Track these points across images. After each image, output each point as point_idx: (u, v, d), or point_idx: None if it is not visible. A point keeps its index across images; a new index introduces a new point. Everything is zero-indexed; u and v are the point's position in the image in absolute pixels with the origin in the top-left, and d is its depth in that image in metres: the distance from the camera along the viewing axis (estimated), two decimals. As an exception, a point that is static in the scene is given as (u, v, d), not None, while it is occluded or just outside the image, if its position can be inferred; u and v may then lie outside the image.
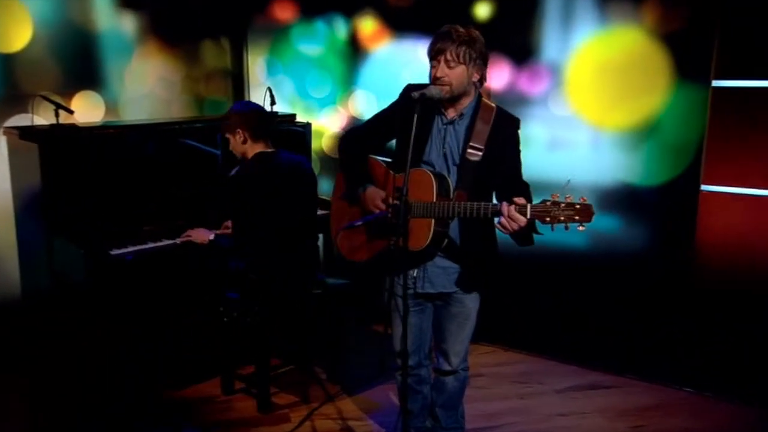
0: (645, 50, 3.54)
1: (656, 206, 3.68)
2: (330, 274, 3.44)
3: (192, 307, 3.65)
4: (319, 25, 4.57)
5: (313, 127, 4.40)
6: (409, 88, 2.55)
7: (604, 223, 3.75)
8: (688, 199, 3.57)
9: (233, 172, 3.14)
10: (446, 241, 2.47)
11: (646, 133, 3.63)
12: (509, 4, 3.89)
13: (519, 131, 2.54)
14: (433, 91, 2.37)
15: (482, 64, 2.46)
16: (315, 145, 4.47)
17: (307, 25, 4.62)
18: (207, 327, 3.53)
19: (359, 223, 2.56)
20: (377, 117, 2.66)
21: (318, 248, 3.59)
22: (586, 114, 3.80)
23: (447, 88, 2.41)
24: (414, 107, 2.27)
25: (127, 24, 4.15)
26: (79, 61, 3.93)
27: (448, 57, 2.38)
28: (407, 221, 2.31)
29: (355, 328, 4.23)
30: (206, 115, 4.49)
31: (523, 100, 3.86)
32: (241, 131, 3.16)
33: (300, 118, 4.41)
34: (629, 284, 3.76)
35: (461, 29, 2.41)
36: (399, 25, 4.28)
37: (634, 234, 3.73)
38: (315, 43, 4.60)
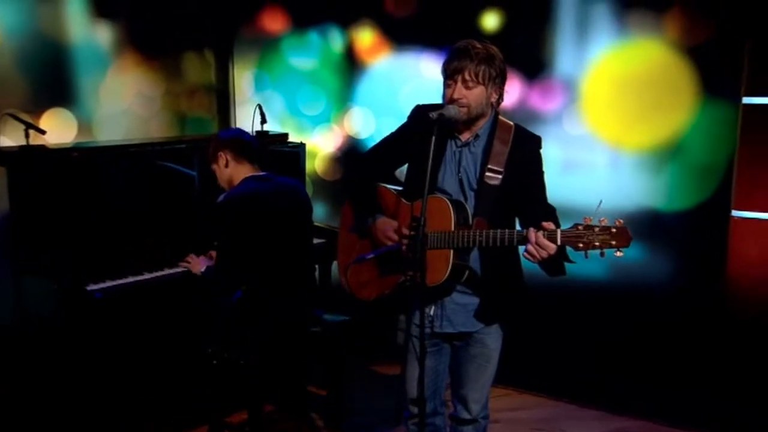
0: (668, 64, 3.55)
1: (682, 233, 3.67)
2: (328, 309, 3.41)
3: (177, 347, 3.61)
4: (313, 37, 4.58)
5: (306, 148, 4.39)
6: (419, 109, 2.55)
7: (626, 252, 3.70)
8: (718, 226, 3.55)
9: (221, 198, 3.10)
10: (466, 274, 2.45)
11: (670, 154, 3.63)
12: (520, 14, 3.92)
13: (541, 150, 2.54)
14: (452, 111, 2.36)
15: (501, 83, 2.46)
16: (308, 166, 4.45)
17: (299, 37, 4.63)
18: (193, 369, 3.44)
19: (371, 256, 2.54)
20: (386, 142, 2.65)
21: (315, 281, 3.55)
22: (603, 133, 3.80)
23: (464, 110, 2.40)
24: (431, 128, 2.26)
25: (103, 35, 4.14)
26: (49, 75, 3.91)
27: (467, 77, 2.38)
28: (425, 254, 2.29)
29: (358, 370, 4.19)
30: (188, 134, 4.50)
31: (534, 117, 3.86)
32: (222, 154, 3.15)
33: (292, 138, 4.41)
34: (654, 319, 3.74)
35: (479, 45, 2.41)
36: (399, 36, 4.30)
37: (658, 264, 3.71)
38: (308, 55, 4.61)
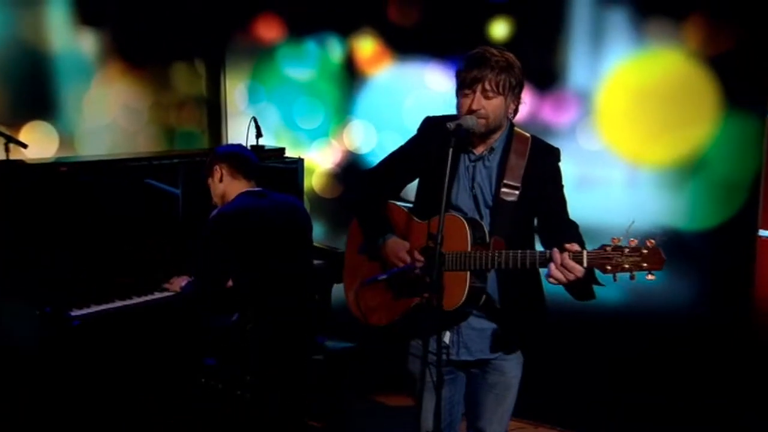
0: (688, 74, 3.55)
1: (705, 255, 3.65)
2: (330, 335, 3.39)
3: (167, 377, 3.55)
4: (310, 46, 4.59)
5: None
6: (431, 121, 2.55)
7: (645, 275, 3.69)
8: (743, 246, 3.54)
9: (213, 213, 3.10)
10: (484, 297, 2.42)
11: (691, 170, 3.63)
12: (530, 22, 3.92)
13: (560, 163, 2.52)
14: (470, 122, 2.35)
15: (519, 93, 2.46)
16: (305, 183, 4.40)
17: (295, 46, 4.63)
18: (185, 399, 3.43)
19: (382, 277, 2.51)
20: (395, 156, 2.65)
21: (316, 305, 3.53)
22: (620, 148, 3.79)
23: (483, 121, 2.39)
24: (449, 140, 2.25)
25: (87, 44, 4.17)
26: (29, 86, 3.93)
27: (486, 87, 2.37)
28: (441, 275, 2.26)
29: (364, 401, 4.14)
30: (177, 149, 4.52)
31: (546, 131, 3.85)
32: (218, 167, 3.18)
33: (288, 153, 4.38)
34: (676, 346, 3.70)
35: (497, 53, 2.40)
36: (402, 46, 4.31)
37: (679, 288, 3.69)
38: (305, 66, 4.61)
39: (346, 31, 4.45)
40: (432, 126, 2.51)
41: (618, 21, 3.71)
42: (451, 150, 2.23)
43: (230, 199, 3.16)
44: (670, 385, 3.73)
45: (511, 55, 2.43)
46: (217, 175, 3.18)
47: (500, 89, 2.37)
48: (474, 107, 2.37)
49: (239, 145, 3.39)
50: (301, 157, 4.28)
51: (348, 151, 4.55)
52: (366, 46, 4.42)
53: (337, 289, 3.82)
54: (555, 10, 3.83)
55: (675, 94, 3.59)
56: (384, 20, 4.32)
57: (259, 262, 3.07)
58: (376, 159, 2.79)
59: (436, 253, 2.21)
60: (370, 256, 2.62)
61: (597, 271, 2.20)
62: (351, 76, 4.46)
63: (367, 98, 4.45)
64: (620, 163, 3.77)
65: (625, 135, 3.77)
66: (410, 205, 2.63)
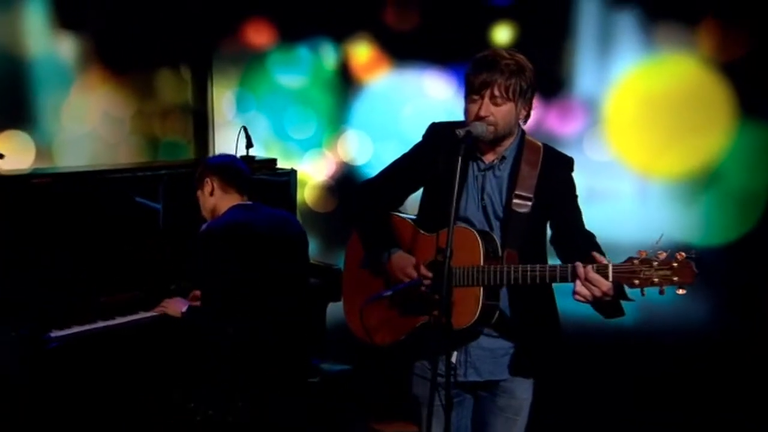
0: (701, 81, 3.56)
1: (721, 271, 3.61)
2: (325, 357, 3.39)
3: (153, 401, 3.49)
4: (302, 52, 4.59)
5: (295, 176, 4.40)
6: (436, 127, 2.56)
7: (657, 294, 3.67)
8: (760, 263, 3.53)
9: (203, 227, 3.09)
10: (496, 315, 2.41)
11: (705, 182, 3.63)
12: (535, 26, 3.93)
13: (573, 173, 2.53)
14: (479, 128, 2.35)
15: (531, 98, 2.45)
16: (297, 196, 4.39)
17: (286, 52, 4.63)
18: (174, 426, 3.36)
19: (388, 293, 2.50)
20: (398, 164, 2.64)
21: (311, 325, 3.51)
22: (630, 159, 3.79)
23: (491, 128, 2.38)
24: (457, 148, 2.24)
25: (66, 48, 4.17)
26: (4, 93, 3.93)
27: (495, 92, 2.36)
28: (450, 292, 2.25)
29: (362, 428, 4.06)
30: (161, 160, 4.51)
31: (552, 141, 3.74)
32: (209, 180, 3.18)
33: (280, 164, 4.36)
34: (689, 370, 3.68)
35: (507, 55, 2.39)
36: (400, 51, 4.32)
37: (693, 307, 3.68)
38: (296, 72, 4.62)
39: (341, 35, 4.46)
40: (438, 133, 2.51)
41: (627, 25, 3.72)
42: (459, 159, 2.22)
43: (220, 213, 3.14)
44: (687, 402, 3.70)
45: (523, 57, 2.43)
46: (207, 188, 3.17)
47: (510, 94, 2.36)
48: (482, 113, 2.37)
49: (232, 156, 3.39)
50: (294, 168, 4.25)
51: (342, 162, 4.55)
52: (361, 52, 4.42)
53: (333, 309, 3.81)
54: (561, 13, 3.84)
55: (687, 102, 3.60)
56: (380, 24, 4.33)
57: (252, 279, 3.05)
58: (372, 171, 2.80)
59: (445, 268, 2.19)
60: (373, 271, 2.61)
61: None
62: (345, 83, 4.47)
63: (362, 107, 4.46)
64: (629, 174, 3.77)
65: (634, 145, 3.77)
66: (413, 217, 2.63)
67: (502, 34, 3.97)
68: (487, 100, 2.36)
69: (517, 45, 3.90)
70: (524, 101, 2.42)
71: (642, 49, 3.70)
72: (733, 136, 3.53)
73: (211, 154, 4.75)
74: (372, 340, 2.58)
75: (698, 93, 3.56)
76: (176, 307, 3.23)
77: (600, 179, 3.81)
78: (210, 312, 3.06)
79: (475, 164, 2.48)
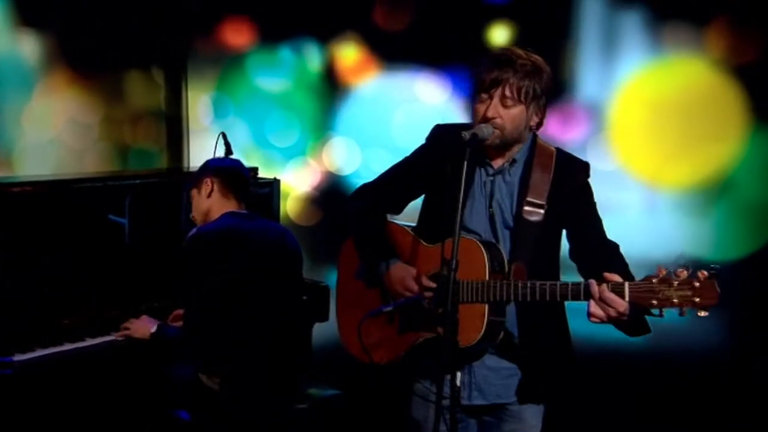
0: (712, 85, 3.56)
1: (734, 288, 3.57)
2: (312, 381, 3.36)
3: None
4: (284, 53, 4.59)
5: (275, 186, 4.39)
6: (441, 129, 2.57)
7: (666, 313, 3.68)
8: (778, 278, 3.54)
9: (192, 231, 3.07)
10: (502, 334, 2.41)
11: (717, 193, 3.63)
12: (534, 27, 3.93)
13: (589, 180, 2.54)
14: (485, 131, 2.34)
15: (545, 104, 2.46)
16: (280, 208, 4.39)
17: (268, 53, 4.63)
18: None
19: (389, 308, 2.50)
20: (399, 168, 2.65)
21: (299, 347, 3.46)
22: (636, 168, 3.80)
23: (497, 132, 2.38)
24: (462, 152, 2.23)
25: (28, 48, 4.13)
26: None
27: (506, 92, 2.36)
28: (456, 307, 2.24)
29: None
30: (131, 169, 4.50)
31: (553, 149, 3.84)
32: (209, 181, 3.17)
33: (261, 174, 4.33)
34: (701, 395, 3.67)
35: (523, 54, 2.40)
36: (390, 53, 4.33)
37: (705, 325, 3.63)
38: (278, 75, 4.62)
39: (326, 35, 4.46)
40: (443, 135, 2.51)
41: (632, 26, 3.73)
42: (465, 164, 2.21)
43: (213, 218, 3.13)
44: (699, 424, 3.69)
45: (541, 59, 2.43)
46: (205, 189, 3.15)
47: (522, 96, 2.36)
48: (489, 114, 2.37)
49: (237, 161, 3.37)
50: (276, 178, 4.23)
51: (328, 172, 4.55)
52: (349, 54, 4.43)
53: (319, 329, 3.77)
54: (562, 12, 3.84)
55: (697, 107, 3.60)
56: (369, 24, 4.33)
57: (239, 294, 3.02)
58: (360, 181, 2.79)
59: (449, 281, 2.18)
60: (369, 282, 2.61)
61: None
62: (331, 87, 4.48)
63: (349, 112, 4.46)
64: (636, 185, 3.77)
65: (641, 153, 3.78)
66: (412, 225, 2.63)
67: (500, 35, 3.97)
68: (496, 100, 2.36)
69: (515, 46, 3.92)
70: (537, 107, 2.42)
71: (649, 50, 3.70)
72: (746, 143, 3.53)
73: (185, 163, 4.77)
74: (370, 357, 2.56)
75: (709, 97, 3.56)
76: (143, 327, 3.17)
77: (604, 190, 3.72)
78: (188, 330, 3.03)
79: (482, 169, 2.49)
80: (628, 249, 3.38)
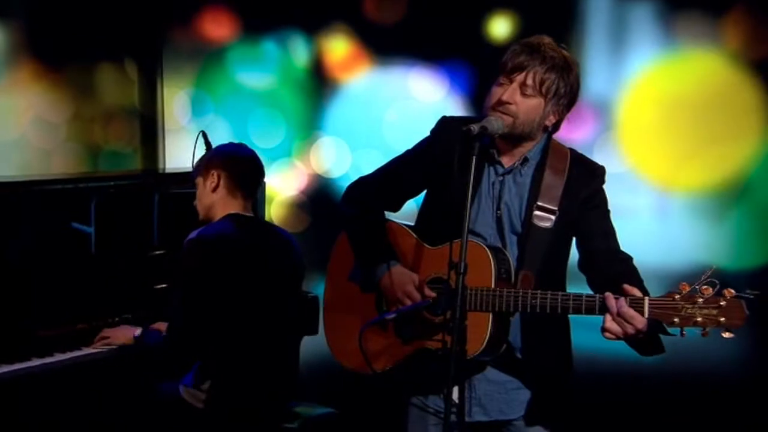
0: (728, 81, 3.57)
1: (752, 300, 3.61)
2: (300, 398, 3.34)
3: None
4: (268, 46, 4.58)
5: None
6: (447, 121, 2.57)
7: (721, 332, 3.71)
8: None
9: (194, 234, 3.03)
10: (505, 346, 2.42)
11: (734, 196, 3.63)
12: (537, 19, 3.92)
13: (604, 186, 2.56)
14: (495, 124, 2.34)
15: (566, 106, 2.46)
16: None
17: (250, 46, 4.62)
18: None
19: (392, 316, 2.48)
20: (400, 161, 2.65)
21: (296, 361, 3.48)
22: (647, 170, 3.79)
23: (509, 119, 2.38)
24: (471, 146, 2.23)
25: None
26: None
27: (528, 81, 2.37)
28: (464, 315, 2.24)
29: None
30: (102, 171, 4.49)
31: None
32: (216, 172, 3.13)
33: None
34: (717, 415, 3.66)
35: (555, 47, 2.42)
36: (382, 47, 4.32)
37: (722, 341, 3.62)
38: (262, 70, 4.61)
39: (314, 28, 4.46)
40: (449, 128, 2.50)
41: (643, 17, 3.73)
42: (474, 159, 2.21)
43: (215, 217, 3.12)
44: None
45: (572, 57, 2.44)
46: (210, 182, 3.12)
47: (543, 89, 2.37)
48: (504, 98, 2.37)
49: (251, 152, 3.28)
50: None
51: (316, 174, 4.54)
52: (338, 47, 4.42)
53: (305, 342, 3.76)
54: (567, 3, 3.85)
55: (713, 105, 3.60)
56: (360, 16, 4.32)
57: (232, 307, 3.02)
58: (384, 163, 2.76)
59: (459, 286, 2.16)
60: (365, 286, 2.62)
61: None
62: (319, 83, 4.48)
63: (339, 110, 4.46)
64: (647, 188, 3.78)
65: (652, 154, 3.78)
66: (410, 224, 2.65)
67: (500, 28, 3.98)
68: (515, 85, 2.37)
69: (517, 40, 3.90)
70: (557, 105, 2.42)
71: (660, 44, 3.71)
72: (765, 143, 3.54)
73: (161, 165, 4.77)
74: (372, 368, 2.53)
75: (725, 94, 3.57)
76: (126, 333, 3.18)
77: (614, 193, 3.68)
78: (171, 338, 3.02)
79: (491, 168, 2.49)
80: (638, 257, 3.36)
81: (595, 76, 3.81)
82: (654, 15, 3.71)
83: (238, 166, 3.16)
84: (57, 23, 4.28)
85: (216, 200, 3.13)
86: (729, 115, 3.57)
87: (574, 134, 3.87)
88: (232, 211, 3.12)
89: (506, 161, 2.48)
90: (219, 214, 3.12)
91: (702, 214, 3.67)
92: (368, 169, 2.67)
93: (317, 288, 3.84)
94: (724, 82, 3.57)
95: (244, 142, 4.55)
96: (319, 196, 4.49)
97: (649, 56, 3.73)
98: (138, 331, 3.16)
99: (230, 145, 3.32)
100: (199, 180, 3.17)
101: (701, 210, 3.67)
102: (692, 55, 3.64)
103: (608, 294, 2.20)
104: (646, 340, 2.24)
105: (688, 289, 2.12)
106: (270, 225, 3.29)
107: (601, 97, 3.81)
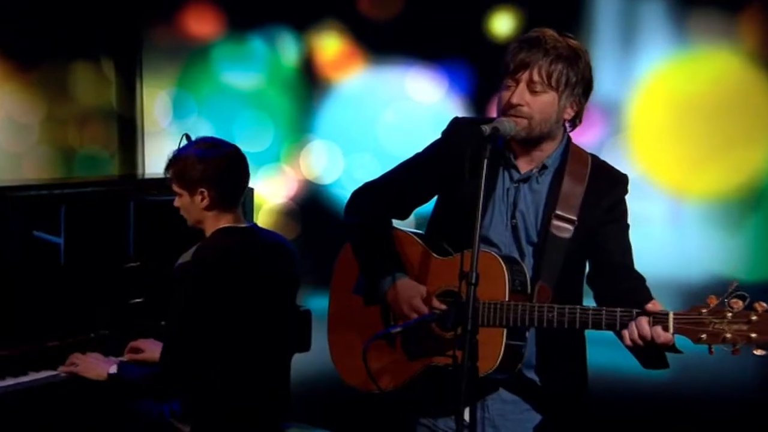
0: (744, 82, 3.57)
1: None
2: (290, 418, 3.31)
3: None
4: (256, 44, 4.59)
5: (246, 196, 4.34)
6: (458, 123, 2.59)
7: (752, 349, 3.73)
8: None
9: (188, 257, 3.00)
10: (521, 364, 2.42)
11: (751, 203, 3.64)
12: (542, 16, 3.83)
13: (627, 196, 2.56)
14: (507, 126, 2.35)
15: (582, 96, 2.46)
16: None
17: (236, 44, 4.63)
18: None
19: (398, 329, 2.48)
20: (409, 166, 2.66)
21: (288, 379, 3.46)
22: (659, 175, 3.79)
23: (524, 122, 2.38)
24: (482, 149, 2.22)
25: None
26: None
27: (535, 77, 2.37)
28: (476, 329, 2.23)
29: None
30: (77, 176, 4.49)
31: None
32: (205, 191, 3.04)
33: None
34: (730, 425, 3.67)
35: (557, 37, 2.41)
36: (377, 44, 4.32)
37: (738, 358, 3.63)
38: (248, 69, 4.61)
39: (304, 24, 4.46)
40: (461, 130, 2.51)
41: (654, 14, 3.74)
42: (486, 163, 2.20)
43: (207, 227, 3.08)
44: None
45: (579, 44, 2.44)
46: (201, 198, 3.04)
47: (553, 82, 2.36)
48: (514, 101, 2.37)
49: (237, 151, 3.20)
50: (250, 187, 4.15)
51: (306, 180, 4.54)
52: (330, 45, 4.43)
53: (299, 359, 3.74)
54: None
55: (728, 107, 3.61)
56: (353, 12, 4.32)
57: (234, 329, 3.01)
58: (342, 190, 2.80)
59: (470, 298, 2.15)
60: (370, 299, 2.63)
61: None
62: (310, 83, 4.49)
63: (331, 112, 4.46)
64: (659, 194, 3.77)
65: (664, 158, 3.78)
66: (419, 233, 2.67)
67: (502, 25, 3.98)
68: (523, 85, 2.37)
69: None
70: (572, 96, 2.43)
71: (673, 42, 3.72)
72: (784, 147, 3.56)
73: (140, 170, 4.74)
74: (378, 386, 2.52)
75: (741, 95, 3.58)
76: (97, 368, 3.12)
77: (623, 200, 3.83)
78: (168, 364, 2.98)
79: (507, 173, 2.52)
80: (650, 267, 3.37)
81: (603, 76, 3.75)
82: (666, 11, 3.71)
83: (229, 179, 3.09)
84: (28, 19, 4.30)
85: (206, 216, 3.08)
86: (745, 117, 3.58)
87: (581, 137, 3.84)
88: (225, 225, 3.08)
89: (523, 166, 2.49)
90: (210, 227, 3.08)
91: (717, 222, 3.68)
92: (362, 174, 2.70)
93: (308, 301, 3.84)
94: (739, 83, 3.57)
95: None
96: (309, 204, 4.48)
97: (660, 55, 3.74)
98: (113, 367, 3.10)
99: (211, 151, 3.17)
100: (184, 193, 3.09)
101: (716, 218, 3.68)
102: (706, 54, 3.64)
103: (633, 310, 2.20)
104: (654, 354, 2.25)
105: (716, 302, 2.11)
106: (267, 235, 3.25)
107: (610, 99, 3.80)
